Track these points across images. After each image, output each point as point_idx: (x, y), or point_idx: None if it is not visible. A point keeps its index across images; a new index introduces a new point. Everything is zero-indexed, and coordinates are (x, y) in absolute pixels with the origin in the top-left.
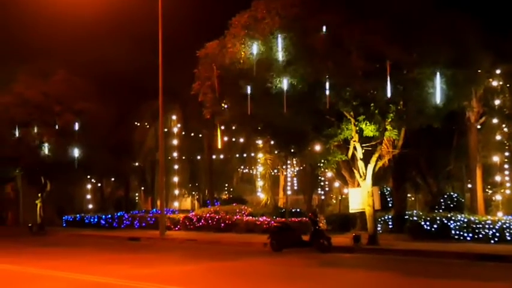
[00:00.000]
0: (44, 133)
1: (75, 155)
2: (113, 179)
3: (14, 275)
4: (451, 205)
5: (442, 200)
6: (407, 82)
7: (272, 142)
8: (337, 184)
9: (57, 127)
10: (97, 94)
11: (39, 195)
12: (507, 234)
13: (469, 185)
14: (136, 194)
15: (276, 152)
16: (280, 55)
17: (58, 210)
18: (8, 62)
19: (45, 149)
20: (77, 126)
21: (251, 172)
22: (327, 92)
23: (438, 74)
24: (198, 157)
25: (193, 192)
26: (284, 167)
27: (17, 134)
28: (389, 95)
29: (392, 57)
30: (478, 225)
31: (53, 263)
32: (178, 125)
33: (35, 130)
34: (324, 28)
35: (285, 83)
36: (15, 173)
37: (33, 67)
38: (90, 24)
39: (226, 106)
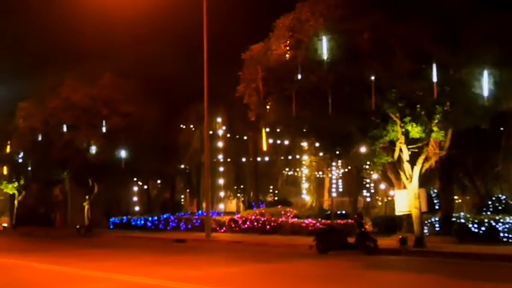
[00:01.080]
0: (91, 136)
1: (122, 157)
2: (159, 181)
3: (63, 275)
4: (499, 207)
5: (490, 202)
6: (454, 83)
7: (317, 144)
8: (382, 186)
9: (104, 130)
10: (143, 96)
11: (87, 197)
12: None
13: None
14: (182, 196)
15: (321, 154)
16: (325, 57)
17: (105, 212)
18: (55, 66)
19: (93, 152)
20: (123, 129)
21: (296, 174)
22: (373, 94)
23: (486, 74)
24: (243, 159)
25: (239, 195)
26: (329, 169)
27: (65, 138)
28: (435, 95)
29: (439, 58)
30: None
31: (100, 264)
32: (224, 127)
33: (83, 133)
34: (369, 29)
35: (330, 85)
36: (64, 176)
37: (80, 70)
38: (136, 27)
39: (271, 108)
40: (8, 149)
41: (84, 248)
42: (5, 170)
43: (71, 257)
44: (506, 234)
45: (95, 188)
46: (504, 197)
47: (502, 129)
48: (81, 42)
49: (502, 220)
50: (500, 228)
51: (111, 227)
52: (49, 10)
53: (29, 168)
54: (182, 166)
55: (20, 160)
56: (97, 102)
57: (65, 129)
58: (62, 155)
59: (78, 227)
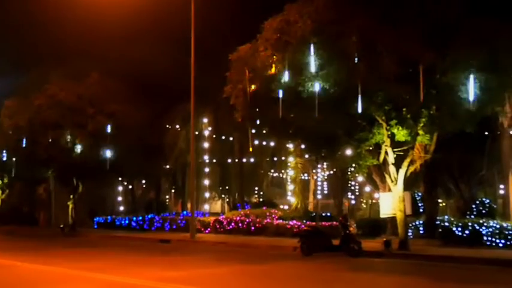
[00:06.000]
0: (77, 135)
1: (107, 157)
2: (144, 181)
3: (46, 275)
4: (483, 211)
5: (474, 206)
6: (441, 87)
7: (303, 146)
8: (367, 189)
9: (89, 129)
10: (129, 96)
11: (71, 196)
12: None
13: (502, 191)
14: (167, 197)
15: (306, 156)
16: (312, 59)
17: (89, 211)
18: (42, 63)
19: (78, 151)
20: (109, 129)
21: (281, 176)
22: (359, 97)
23: (471, 78)
24: (229, 160)
25: (224, 195)
26: (314, 171)
27: (49, 136)
28: (422, 99)
29: (426, 62)
30: (510, 232)
31: (84, 264)
32: (210, 128)
33: (68, 132)
34: (357, 32)
35: (316, 87)
36: (48, 174)
37: (66, 69)
38: (123, 27)
39: (257, 109)
40: None
41: (68, 248)
42: None
43: (55, 256)
44: (489, 238)
45: (80, 187)
46: (488, 200)
47: (486, 133)
48: (69, 40)
49: (485, 224)
50: (484, 232)
51: (96, 226)
52: (36, 8)
53: (13, 167)
54: (167, 166)
55: (4, 158)
56: (83, 101)
57: (50, 127)
58: (47, 153)
59: (61, 226)
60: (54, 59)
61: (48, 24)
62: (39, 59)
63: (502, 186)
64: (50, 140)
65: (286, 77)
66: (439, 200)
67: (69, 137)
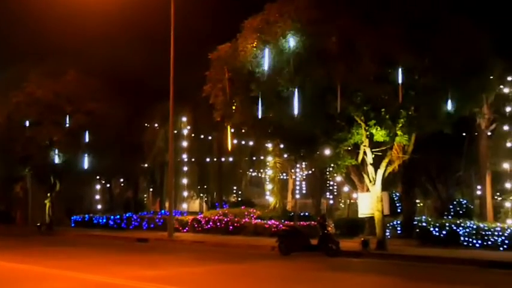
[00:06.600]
0: (55, 133)
1: (85, 155)
2: (121, 180)
3: (23, 273)
4: (460, 211)
5: (451, 206)
6: (419, 87)
7: (282, 145)
8: (346, 188)
9: (67, 127)
10: (108, 94)
11: (48, 194)
12: None
13: (479, 192)
14: (145, 195)
15: (285, 155)
16: (292, 58)
17: (67, 210)
18: (20, 61)
19: (55, 149)
20: (86, 127)
21: (260, 175)
22: (338, 96)
23: (450, 80)
24: (207, 159)
25: (202, 195)
26: (293, 170)
27: (27, 134)
28: (400, 100)
29: (405, 63)
30: (487, 232)
31: (61, 262)
32: (188, 127)
33: (45, 130)
34: (337, 32)
35: (296, 87)
36: (25, 172)
37: (44, 67)
38: (103, 25)
39: (236, 109)
40: None
41: (45, 246)
42: None
43: (32, 255)
44: (466, 238)
45: (57, 185)
46: (465, 201)
47: (464, 134)
48: (47, 38)
49: (462, 224)
50: (460, 232)
51: (73, 225)
52: (14, 5)
53: None
54: (146, 165)
55: None
56: (61, 98)
57: (27, 125)
58: (24, 151)
59: (38, 224)
60: (33, 56)
61: (26, 22)
62: (17, 57)
63: (479, 186)
64: (28, 138)
65: (265, 76)
66: (417, 200)
67: (46, 135)
